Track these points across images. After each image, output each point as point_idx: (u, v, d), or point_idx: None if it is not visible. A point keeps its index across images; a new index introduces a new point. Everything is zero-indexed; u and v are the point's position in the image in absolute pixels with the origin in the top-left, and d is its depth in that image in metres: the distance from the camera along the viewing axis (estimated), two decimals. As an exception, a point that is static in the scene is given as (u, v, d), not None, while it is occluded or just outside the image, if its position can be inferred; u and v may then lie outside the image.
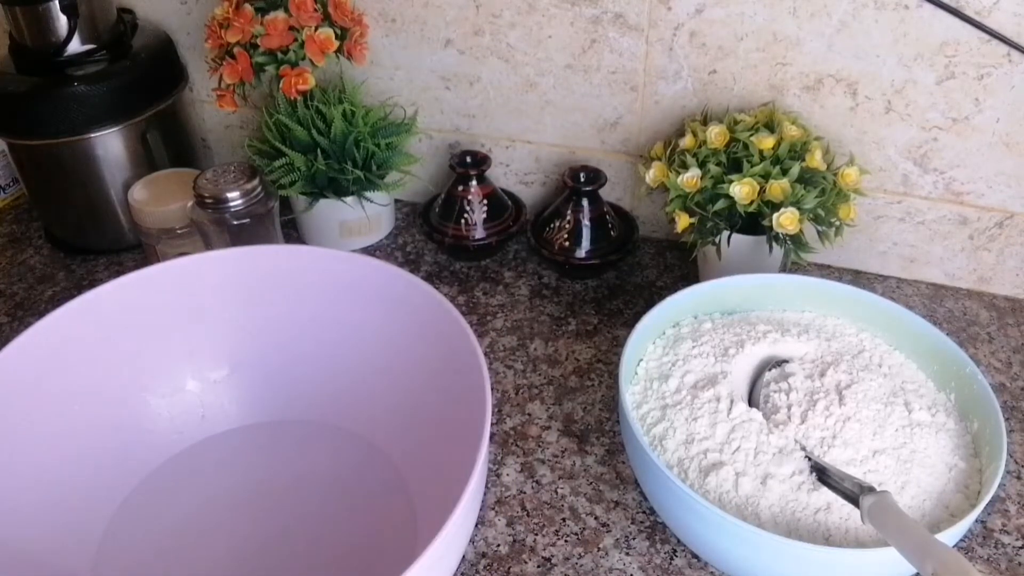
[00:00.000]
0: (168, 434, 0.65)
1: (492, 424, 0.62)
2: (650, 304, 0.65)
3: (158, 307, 0.63)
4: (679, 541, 0.59)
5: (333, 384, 0.66)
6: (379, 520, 0.60)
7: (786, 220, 0.67)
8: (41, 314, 0.78)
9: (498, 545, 0.60)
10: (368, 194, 0.82)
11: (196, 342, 0.65)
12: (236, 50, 0.74)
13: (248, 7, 0.74)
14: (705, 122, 0.76)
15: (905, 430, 0.57)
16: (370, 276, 0.63)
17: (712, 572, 0.58)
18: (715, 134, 0.71)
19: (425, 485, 0.60)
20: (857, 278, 0.84)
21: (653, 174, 0.74)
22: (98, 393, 0.61)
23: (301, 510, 0.61)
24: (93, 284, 0.61)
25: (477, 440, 0.49)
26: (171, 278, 0.63)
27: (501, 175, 0.90)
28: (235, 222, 0.73)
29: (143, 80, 0.83)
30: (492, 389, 0.55)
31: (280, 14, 0.74)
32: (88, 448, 0.60)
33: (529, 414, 0.70)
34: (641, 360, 0.65)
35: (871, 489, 0.50)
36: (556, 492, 0.63)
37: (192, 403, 0.66)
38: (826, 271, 0.84)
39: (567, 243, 0.80)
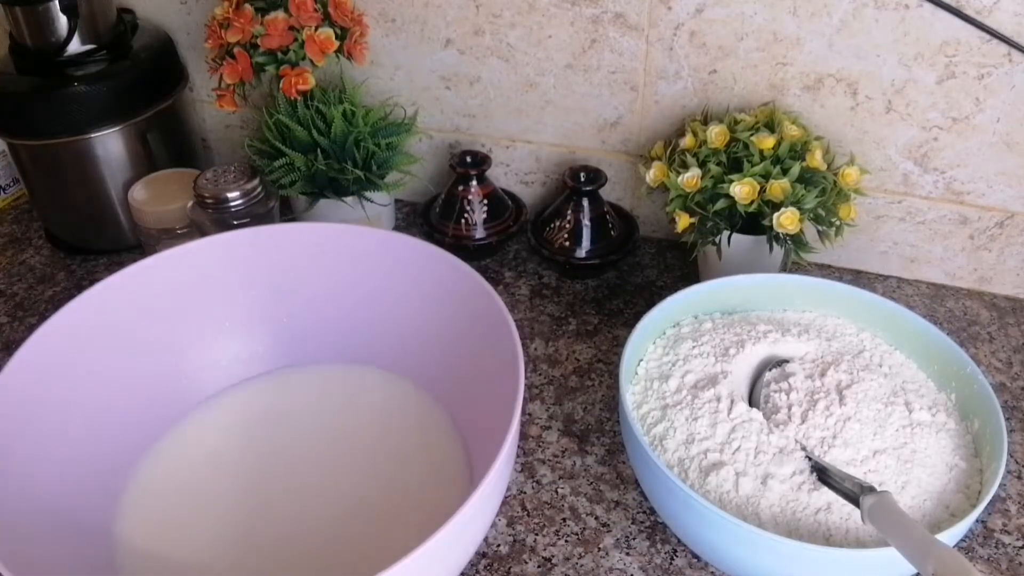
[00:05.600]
0: (204, 385, 0.68)
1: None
2: (650, 304, 0.65)
3: (204, 278, 0.67)
4: (679, 541, 0.59)
5: (379, 333, 0.69)
6: (427, 463, 0.63)
7: (786, 220, 0.67)
8: (42, 314, 0.79)
9: (498, 545, 0.60)
10: (368, 194, 0.82)
11: (242, 306, 0.69)
12: (236, 50, 0.74)
13: (248, 7, 0.74)
14: (705, 122, 0.76)
15: (905, 430, 0.57)
16: (410, 254, 0.67)
17: (712, 572, 0.58)
18: (715, 134, 0.71)
19: (477, 436, 0.63)
20: (857, 278, 0.84)
21: (653, 174, 0.74)
22: (136, 351, 0.64)
23: (346, 453, 0.64)
24: (93, 284, 0.61)
25: (512, 398, 0.52)
26: (220, 251, 0.67)
27: (501, 175, 0.89)
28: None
29: (143, 80, 0.83)
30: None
31: (280, 14, 0.74)
32: (117, 399, 0.62)
33: (529, 414, 0.69)
34: (641, 360, 0.65)
35: (871, 489, 0.50)
36: (556, 492, 0.63)
37: (230, 360, 0.69)
38: (826, 271, 0.84)
39: (567, 243, 0.80)
